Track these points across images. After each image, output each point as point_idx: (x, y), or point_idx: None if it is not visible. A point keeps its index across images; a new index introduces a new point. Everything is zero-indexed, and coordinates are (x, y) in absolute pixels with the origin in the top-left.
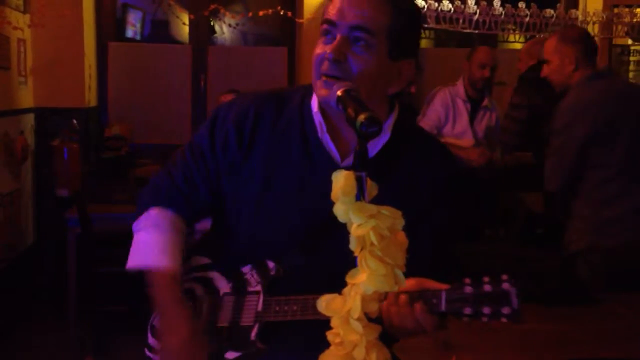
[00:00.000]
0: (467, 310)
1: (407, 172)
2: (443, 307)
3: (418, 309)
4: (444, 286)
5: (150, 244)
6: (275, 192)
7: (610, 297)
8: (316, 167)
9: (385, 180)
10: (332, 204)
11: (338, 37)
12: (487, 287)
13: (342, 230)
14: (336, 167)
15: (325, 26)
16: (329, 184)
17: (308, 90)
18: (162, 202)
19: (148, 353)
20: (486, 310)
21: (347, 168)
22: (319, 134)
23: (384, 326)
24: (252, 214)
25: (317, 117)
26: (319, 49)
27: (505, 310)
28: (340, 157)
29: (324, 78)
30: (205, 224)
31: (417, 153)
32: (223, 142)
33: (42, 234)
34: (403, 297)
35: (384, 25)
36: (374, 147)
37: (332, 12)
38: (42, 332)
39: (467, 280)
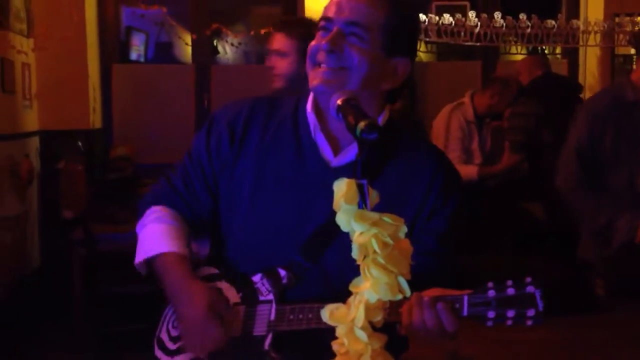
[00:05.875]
0: (491, 314)
1: (397, 170)
2: (465, 311)
3: (441, 307)
4: (467, 291)
5: (154, 234)
6: (267, 192)
7: (618, 306)
8: (307, 167)
9: (374, 178)
10: (326, 203)
11: (334, 29)
12: (511, 291)
13: (342, 233)
14: (327, 166)
15: (322, 23)
16: (320, 184)
17: (303, 95)
18: (163, 203)
19: None
20: (510, 313)
21: (338, 169)
22: (312, 134)
23: (404, 329)
24: (245, 215)
25: (311, 117)
26: (314, 42)
27: (530, 312)
28: (333, 156)
29: (323, 68)
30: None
31: (407, 152)
32: (217, 142)
33: (48, 257)
34: (426, 298)
35: (379, 21)
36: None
37: (330, 10)
38: (49, 354)
39: (490, 284)
